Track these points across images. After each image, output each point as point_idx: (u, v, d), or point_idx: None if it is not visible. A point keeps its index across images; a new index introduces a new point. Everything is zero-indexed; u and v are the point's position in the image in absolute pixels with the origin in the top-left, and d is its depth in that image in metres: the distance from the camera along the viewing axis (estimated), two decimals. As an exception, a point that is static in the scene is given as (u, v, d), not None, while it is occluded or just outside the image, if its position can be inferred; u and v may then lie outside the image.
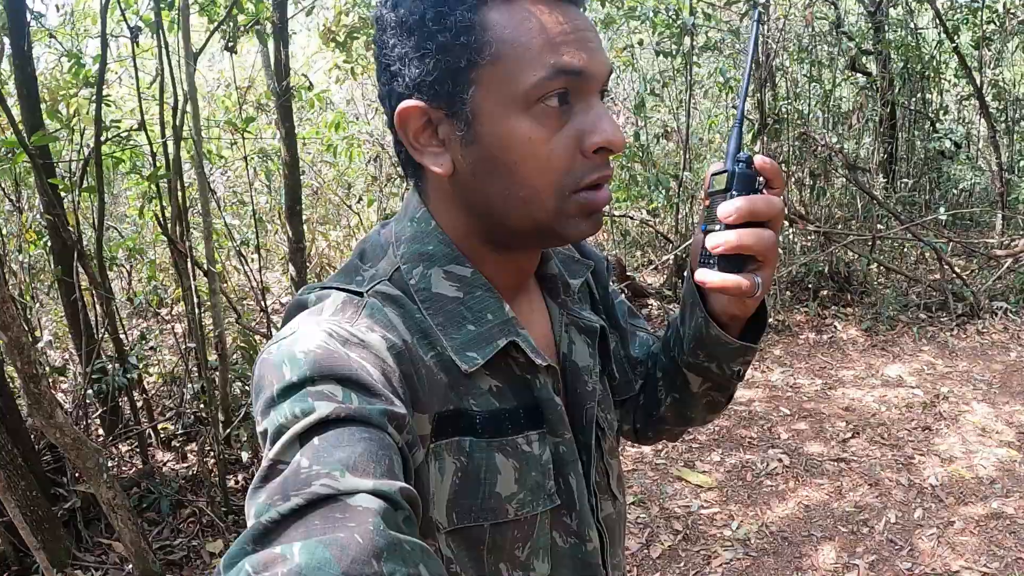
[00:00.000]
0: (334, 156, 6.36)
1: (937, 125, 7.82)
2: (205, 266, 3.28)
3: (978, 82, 6.56)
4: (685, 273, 0.78)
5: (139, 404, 3.72)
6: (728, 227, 0.65)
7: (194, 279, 2.89)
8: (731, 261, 0.67)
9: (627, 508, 0.94)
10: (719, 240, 0.65)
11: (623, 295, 0.93)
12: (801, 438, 4.07)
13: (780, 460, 3.83)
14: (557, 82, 0.61)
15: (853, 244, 5.70)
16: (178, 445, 3.78)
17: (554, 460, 0.73)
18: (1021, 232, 6.23)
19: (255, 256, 4.96)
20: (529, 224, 0.66)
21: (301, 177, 6.09)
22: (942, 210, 6.47)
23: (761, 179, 0.67)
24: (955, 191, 7.39)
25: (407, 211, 0.72)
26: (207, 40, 3.59)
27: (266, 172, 5.75)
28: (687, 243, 5.91)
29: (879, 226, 6.16)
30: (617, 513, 0.84)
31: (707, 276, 0.67)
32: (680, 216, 6.28)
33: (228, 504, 3.24)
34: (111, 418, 3.53)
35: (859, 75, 7.41)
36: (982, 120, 7.30)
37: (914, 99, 8.03)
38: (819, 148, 5.76)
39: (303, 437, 0.51)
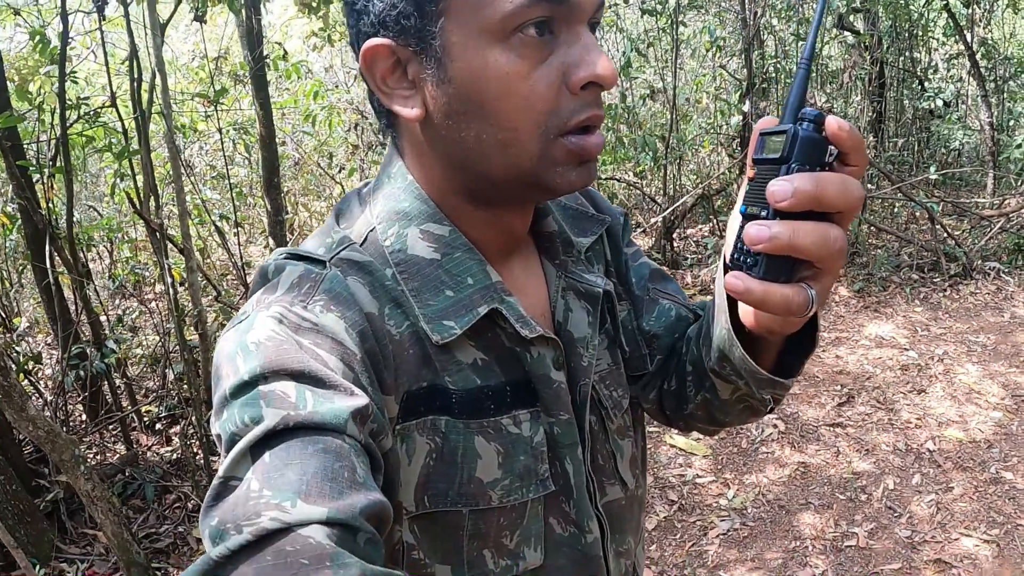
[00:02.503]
0: (312, 126, 6.21)
1: (926, 84, 7.72)
2: (181, 243, 3.17)
3: (968, 40, 6.45)
4: (719, 259, 0.60)
5: (120, 388, 3.63)
6: (779, 214, 0.49)
7: (166, 257, 2.78)
8: (779, 263, 0.50)
9: (645, 495, 0.84)
10: (764, 235, 0.48)
11: (645, 257, 0.82)
12: (796, 403, 4.03)
13: (775, 426, 3.79)
14: (537, 8, 0.54)
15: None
16: (162, 428, 3.70)
17: (548, 442, 0.67)
18: (1011, 191, 6.18)
19: (236, 231, 4.86)
20: (511, 172, 0.59)
21: (281, 148, 5.96)
22: (932, 169, 6.40)
23: (832, 149, 0.50)
24: (944, 150, 7.31)
25: (384, 166, 0.67)
26: (174, 10, 3.43)
27: (244, 144, 5.60)
28: (676, 204, 5.82)
29: (869, 186, 6.09)
30: (628, 498, 0.76)
31: (742, 284, 0.51)
32: (668, 177, 6.18)
33: (215, 488, 3.15)
34: (92, 404, 3.44)
35: (847, 33, 7.29)
36: (971, 79, 7.21)
37: (902, 58, 7.91)
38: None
39: (254, 450, 0.48)
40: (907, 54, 7.94)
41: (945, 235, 5.53)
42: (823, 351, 4.70)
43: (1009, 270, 5.53)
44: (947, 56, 7.97)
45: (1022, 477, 3.17)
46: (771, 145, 0.50)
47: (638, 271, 0.80)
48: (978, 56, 6.54)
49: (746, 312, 0.59)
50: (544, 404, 0.66)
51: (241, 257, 4.29)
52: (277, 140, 5.21)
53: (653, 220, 6.18)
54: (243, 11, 4.57)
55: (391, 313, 0.60)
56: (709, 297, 0.73)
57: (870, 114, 7.89)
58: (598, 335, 0.72)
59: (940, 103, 7.01)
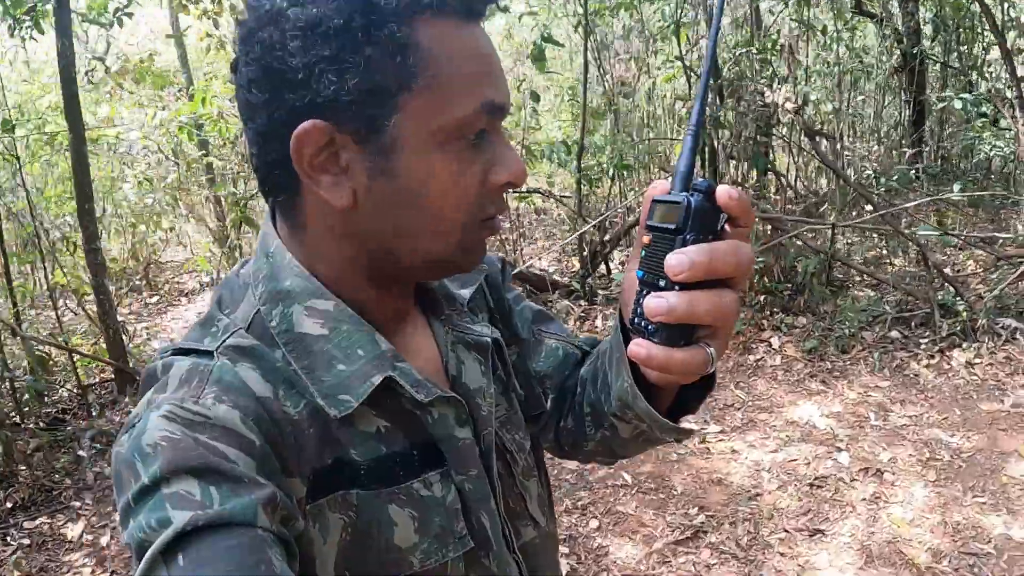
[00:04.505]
0: (189, 139, 5.53)
1: (976, 81, 6.08)
2: None
3: (1002, 30, 4.85)
4: (614, 313, 0.42)
5: None
6: (676, 283, 0.50)
7: None
8: (678, 330, 0.52)
9: (557, 531, 0.82)
10: (663, 307, 0.50)
11: (527, 300, 0.85)
12: (618, 528, 2.80)
13: (568, 563, 2.59)
14: (482, 118, 0.58)
15: (808, 235, 4.22)
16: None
17: (461, 499, 0.66)
18: None
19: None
20: (430, 258, 0.62)
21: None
22: (956, 187, 4.87)
23: (724, 216, 0.51)
24: (971, 164, 5.66)
25: (261, 246, 0.66)
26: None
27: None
28: (586, 228, 4.58)
29: (854, 212, 4.64)
30: (541, 537, 0.76)
31: (644, 352, 0.53)
32: (609, 193, 4.94)
33: None
34: None
35: (867, 20, 5.75)
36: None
37: (953, 53, 6.29)
38: (772, 109, 4.27)
39: (167, 555, 0.47)
40: (958, 48, 6.31)
41: (941, 279, 4.05)
42: (719, 441, 3.41)
43: (1033, 331, 4.01)
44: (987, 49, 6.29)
45: None
46: (665, 214, 0.52)
47: (521, 315, 0.83)
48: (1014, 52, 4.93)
49: (647, 368, 0.59)
50: (452, 463, 0.66)
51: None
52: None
53: (555, 245, 4.95)
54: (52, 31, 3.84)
55: (286, 394, 0.59)
56: (601, 338, 0.81)
57: (909, 114, 6.31)
58: (492, 384, 0.73)
59: (988, 107, 5.41)
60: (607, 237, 4.96)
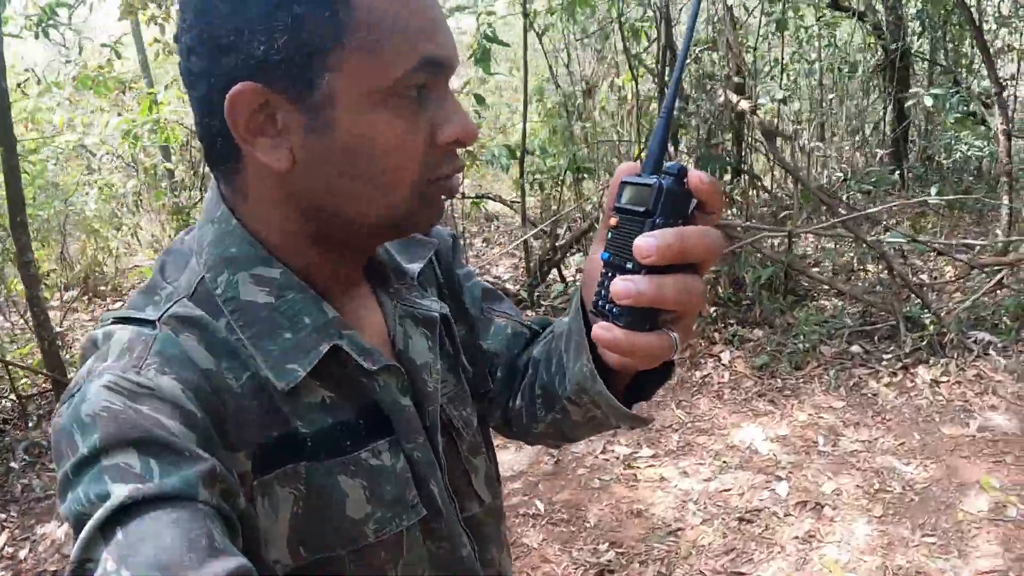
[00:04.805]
0: (132, 146, 5.36)
1: (965, 79, 5.75)
2: None
3: (978, 23, 4.52)
4: (573, 295, 0.62)
5: None
6: (644, 267, 0.49)
7: None
8: (643, 313, 0.51)
9: (503, 505, 0.81)
10: (631, 290, 0.49)
11: (477, 276, 0.84)
12: (517, 564, 2.48)
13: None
14: (422, 73, 0.56)
15: (766, 242, 3.90)
16: None
17: (411, 468, 0.66)
18: None
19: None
20: (379, 219, 0.60)
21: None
22: (933, 191, 4.54)
23: (695, 201, 0.51)
24: (958, 165, 5.30)
25: (206, 212, 0.64)
26: None
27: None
28: (536, 230, 4.28)
29: (823, 218, 4.31)
30: (485, 512, 0.75)
31: (610, 335, 0.52)
32: (554, 199, 4.65)
33: None
34: None
35: (839, 15, 5.42)
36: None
37: (941, 49, 5.96)
38: (726, 105, 3.96)
39: (105, 529, 0.46)
40: (944, 45, 5.98)
41: (906, 289, 3.71)
42: (647, 466, 3.09)
43: (1006, 344, 3.67)
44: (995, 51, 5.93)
45: None
46: (635, 196, 0.52)
47: (471, 291, 0.81)
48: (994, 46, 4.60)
49: (607, 352, 0.57)
50: (399, 431, 0.65)
51: None
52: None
53: (513, 244, 4.65)
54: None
55: (229, 366, 0.59)
56: (532, 317, 0.85)
57: (892, 113, 5.98)
58: (439, 359, 0.72)
59: (976, 107, 5.07)
60: (560, 243, 4.65)
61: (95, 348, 0.58)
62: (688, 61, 4.60)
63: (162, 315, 0.59)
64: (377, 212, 0.59)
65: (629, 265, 0.51)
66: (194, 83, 0.58)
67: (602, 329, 0.52)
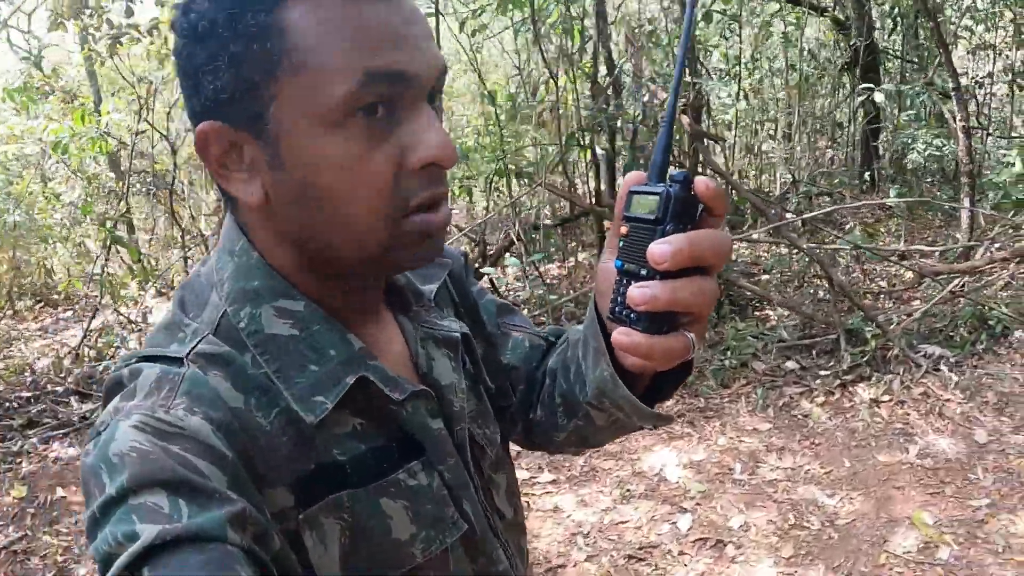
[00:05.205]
0: (64, 153, 5.12)
1: (938, 76, 5.41)
2: None
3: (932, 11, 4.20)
4: (590, 306, 0.65)
5: None
6: (658, 272, 0.51)
7: None
8: (660, 317, 0.53)
9: (524, 518, 0.80)
10: (647, 295, 0.51)
11: (490, 292, 0.85)
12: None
13: None
14: (370, 91, 0.53)
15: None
16: None
17: (446, 487, 0.66)
18: (990, 235, 3.81)
19: None
20: (356, 254, 0.58)
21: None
22: (893, 192, 4.21)
23: (701, 206, 0.53)
24: (918, 164, 4.95)
25: (225, 244, 0.64)
26: None
27: None
28: (458, 236, 3.97)
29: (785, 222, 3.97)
30: (507, 527, 0.74)
31: (629, 340, 0.53)
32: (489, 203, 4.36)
33: None
34: None
35: (807, 10, 5.10)
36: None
37: (909, 45, 5.65)
38: (651, 102, 3.64)
39: (132, 569, 0.46)
40: (915, 42, 5.65)
41: (845, 300, 3.37)
42: (544, 493, 2.75)
43: (960, 359, 3.31)
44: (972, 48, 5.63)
45: None
46: (643, 205, 0.53)
47: (486, 308, 0.82)
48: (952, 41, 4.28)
49: (625, 355, 0.59)
50: (431, 453, 0.65)
51: None
52: None
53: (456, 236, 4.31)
54: None
55: (258, 403, 0.58)
56: (548, 328, 0.84)
57: (857, 110, 5.64)
58: (463, 379, 0.72)
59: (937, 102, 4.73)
60: (490, 251, 4.34)
61: (120, 387, 0.58)
62: (624, 62, 4.30)
63: (189, 352, 0.58)
64: (348, 248, 0.58)
65: (643, 271, 0.52)
66: (190, 119, 0.59)
67: (622, 334, 0.54)
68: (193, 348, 0.58)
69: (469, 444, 0.71)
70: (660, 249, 0.50)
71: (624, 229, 0.55)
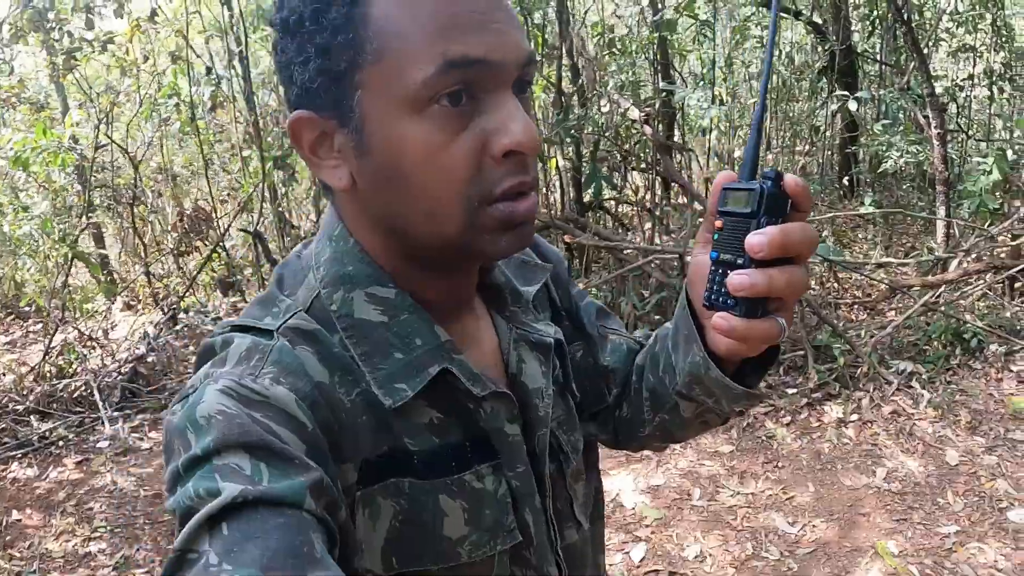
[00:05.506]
0: (24, 169, 5.00)
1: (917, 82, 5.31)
2: None
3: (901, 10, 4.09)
4: (682, 296, 0.67)
5: None
6: (754, 261, 0.55)
7: None
8: (755, 302, 0.56)
9: (603, 534, 0.82)
10: (746, 283, 0.55)
11: (589, 295, 0.86)
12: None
13: None
14: (450, 77, 0.54)
15: (651, 265, 3.44)
16: None
17: (511, 495, 0.66)
18: (965, 246, 3.69)
19: None
20: (438, 241, 0.59)
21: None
22: (867, 201, 4.10)
23: (789, 200, 0.56)
24: (898, 171, 4.84)
25: (325, 229, 0.66)
26: None
27: None
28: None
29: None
30: (583, 539, 0.76)
31: (727, 324, 0.56)
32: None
33: None
34: None
35: (782, 14, 4.99)
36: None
37: (887, 49, 5.54)
38: (618, 114, 3.53)
39: (211, 523, 0.47)
40: (894, 45, 5.55)
41: (815, 317, 3.26)
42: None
43: (933, 376, 3.20)
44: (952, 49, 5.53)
45: None
46: (738, 200, 0.56)
47: (587, 311, 0.83)
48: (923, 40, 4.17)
49: (715, 340, 0.62)
50: (503, 458, 0.66)
51: None
52: None
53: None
54: None
55: (341, 381, 0.60)
56: (639, 332, 0.89)
57: (835, 116, 5.53)
58: (551, 385, 0.72)
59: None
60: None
61: (213, 353, 0.59)
62: (601, 72, 4.20)
63: (280, 326, 0.60)
64: (429, 233, 0.58)
65: (740, 260, 0.55)
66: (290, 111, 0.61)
67: (721, 318, 0.56)
68: (284, 322, 0.60)
69: (553, 451, 0.71)
70: (757, 239, 0.53)
71: (719, 223, 0.57)
